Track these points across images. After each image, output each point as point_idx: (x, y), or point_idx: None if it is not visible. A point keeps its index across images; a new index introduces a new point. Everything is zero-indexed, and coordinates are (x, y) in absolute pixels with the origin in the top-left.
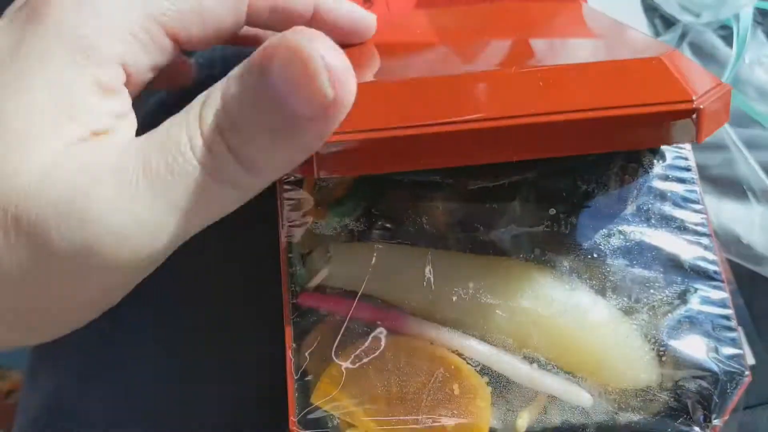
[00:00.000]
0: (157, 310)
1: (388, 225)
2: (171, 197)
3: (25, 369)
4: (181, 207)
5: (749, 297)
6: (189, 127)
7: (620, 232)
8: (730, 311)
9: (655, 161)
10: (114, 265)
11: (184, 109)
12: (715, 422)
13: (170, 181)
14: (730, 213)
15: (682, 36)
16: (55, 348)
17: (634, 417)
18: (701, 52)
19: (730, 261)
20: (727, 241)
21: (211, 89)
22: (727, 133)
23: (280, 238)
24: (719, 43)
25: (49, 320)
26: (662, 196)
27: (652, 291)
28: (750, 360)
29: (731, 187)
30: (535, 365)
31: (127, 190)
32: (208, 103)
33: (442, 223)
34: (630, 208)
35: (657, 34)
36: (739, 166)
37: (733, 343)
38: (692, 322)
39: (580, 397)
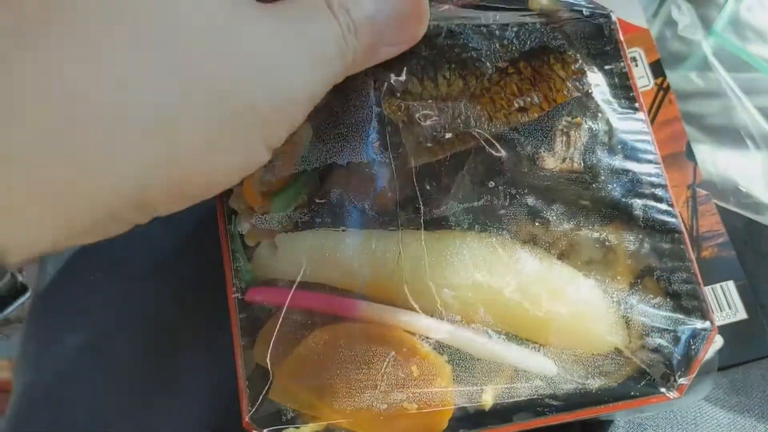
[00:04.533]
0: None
1: (331, 211)
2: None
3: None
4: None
5: (743, 249)
6: None
7: (567, 193)
8: (690, 264)
9: (602, 113)
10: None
11: None
12: (681, 381)
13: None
14: (727, 162)
15: None
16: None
17: (601, 382)
18: None
19: (723, 213)
20: (725, 191)
21: None
22: (725, 79)
23: (221, 234)
24: None
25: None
26: (611, 149)
27: (605, 251)
28: (741, 315)
29: (729, 135)
30: (495, 337)
31: None
32: None
33: (386, 203)
34: (576, 165)
35: None
36: (737, 112)
37: (694, 296)
38: (651, 279)
39: (544, 366)
